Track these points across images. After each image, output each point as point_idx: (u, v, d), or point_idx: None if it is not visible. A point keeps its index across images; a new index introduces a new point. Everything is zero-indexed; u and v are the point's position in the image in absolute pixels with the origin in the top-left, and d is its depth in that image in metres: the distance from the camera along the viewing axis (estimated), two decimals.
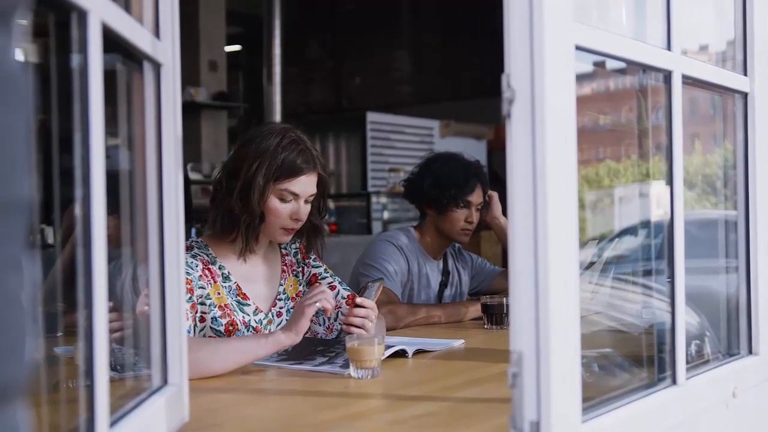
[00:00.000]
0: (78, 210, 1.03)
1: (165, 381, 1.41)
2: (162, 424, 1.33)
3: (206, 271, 2.22)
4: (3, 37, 0.59)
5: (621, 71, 1.76)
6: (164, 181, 1.40)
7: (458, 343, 2.40)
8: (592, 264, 2.27)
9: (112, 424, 1.11)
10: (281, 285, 2.40)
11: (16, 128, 0.59)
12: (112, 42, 1.14)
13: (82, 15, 1.02)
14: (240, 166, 2.23)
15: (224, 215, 2.25)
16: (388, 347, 2.08)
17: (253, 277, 2.34)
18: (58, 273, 2.09)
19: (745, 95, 1.85)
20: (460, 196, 3.05)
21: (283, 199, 2.24)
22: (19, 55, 0.61)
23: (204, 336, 2.20)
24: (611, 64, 1.57)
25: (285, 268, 2.43)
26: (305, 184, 2.26)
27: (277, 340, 2.00)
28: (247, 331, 2.26)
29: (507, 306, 2.71)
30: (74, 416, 1.11)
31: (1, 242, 0.59)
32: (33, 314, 0.62)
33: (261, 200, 2.21)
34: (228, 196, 2.23)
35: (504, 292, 3.01)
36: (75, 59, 1.04)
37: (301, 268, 2.47)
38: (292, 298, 2.41)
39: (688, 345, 1.64)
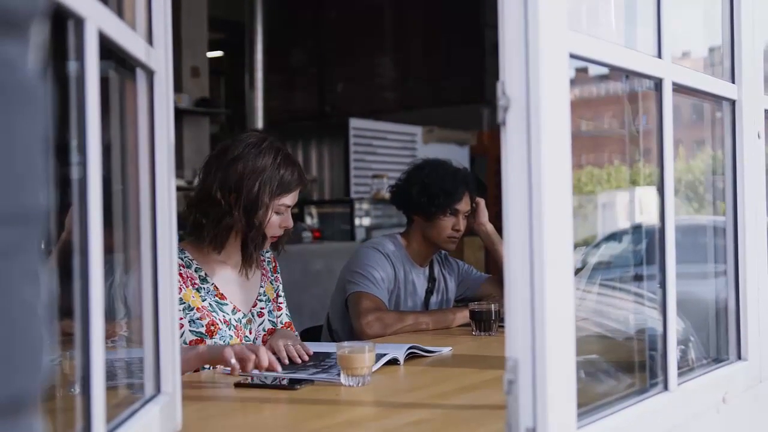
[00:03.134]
0: (75, 217, 1.02)
1: (158, 390, 1.40)
2: None
3: (178, 276, 2.24)
4: (19, 47, 0.59)
5: (603, 77, 1.77)
6: (157, 189, 1.39)
7: (447, 350, 2.41)
8: (578, 270, 2.29)
9: None
10: (261, 287, 2.48)
11: (33, 138, 0.59)
12: (106, 49, 1.13)
13: (79, 22, 1.01)
14: (239, 185, 2.28)
15: (225, 231, 2.31)
16: (379, 356, 2.08)
17: (233, 279, 2.40)
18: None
19: (732, 102, 1.87)
20: (449, 204, 3.05)
21: (278, 213, 2.35)
22: (35, 65, 0.61)
23: (183, 342, 2.22)
24: (593, 69, 1.58)
25: (264, 271, 2.52)
26: (296, 196, 2.39)
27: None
28: (228, 329, 2.31)
29: (495, 312, 2.72)
30: (68, 425, 1.11)
31: (17, 252, 0.58)
32: (48, 325, 0.62)
33: (265, 218, 2.31)
34: (228, 214, 2.27)
35: (491, 298, 3.01)
36: (71, 66, 1.03)
37: (275, 277, 2.58)
38: (272, 300, 2.50)
39: None
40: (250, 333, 2.39)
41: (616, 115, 2.00)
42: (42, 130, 0.61)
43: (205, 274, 2.33)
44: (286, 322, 2.51)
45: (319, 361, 2.18)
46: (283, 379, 1.96)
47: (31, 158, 0.59)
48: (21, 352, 0.58)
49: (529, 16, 1.18)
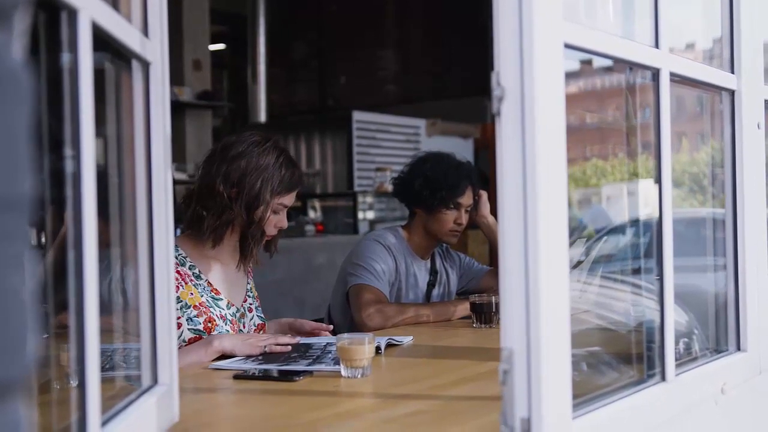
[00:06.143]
0: (69, 211, 1.02)
1: (155, 381, 1.40)
2: (152, 424, 1.33)
3: (175, 274, 2.26)
4: (3, 36, 0.59)
5: (608, 69, 1.76)
6: (153, 181, 1.39)
7: (408, 339, 2.44)
8: (579, 263, 2.28)
9: (104, 423, 1.11)
10: (248, 283, 2.53)
11: (17, 126, 0.59)
12: (101, 40, 1.13)
13: (72, 13, 1.01)
14: (241, 181, 2.31)
15: (225, 225, 2.34)
16: None
17: (223, 275, 2.43)
18: (45, 274, 2.10)
19: (732, 92, 1.86)
20: (451, 198, 3.05)
21: (275, 212, 2.38)
22: (19, 54, 0.61)
23: (183, 341, 2.23)
24: (598, 62, 1.57)
25: (250, 270, 2.55)
26: (294, 197, 2.43)
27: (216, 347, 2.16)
28: (225, 324, 2.34)
29: (496, 304, 2.72)
30: (64, 417, 1.11)
31: (3, 239, 0.59)
32: (34, 311, 0.62)
33: (265, 215, 2.34)
34: (228, 209, 2.30)
35: (492, 290, 3.01)
36: (64, 58, 1.03)
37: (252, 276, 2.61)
38: (256, 297, 2.55)
39: (676, 343, 1.65)
40: (243, 327, 2.42)
41: (621, 108, 2.00)
42: (27, 119, 0.61)
43: (199, 271, 2.37)
44: (258, 324, 2.52)
45: (304, 352, 2.18)
46: (281, 370, 1.96)
47: (15, 147, 0.59)
48: (5, 339, 0.58)
49: (523, 6, 1.18)
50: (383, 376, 1.97)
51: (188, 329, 2.27)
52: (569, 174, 1.29)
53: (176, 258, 2.32)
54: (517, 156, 1.19)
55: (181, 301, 2.27)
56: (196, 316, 2.28)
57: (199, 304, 2.30)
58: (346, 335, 2.00)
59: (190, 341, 2.25)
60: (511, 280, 1.20)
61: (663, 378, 1.55)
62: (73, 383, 1.08)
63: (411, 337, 2.47)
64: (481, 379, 1.91)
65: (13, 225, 0.59)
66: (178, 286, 2.26)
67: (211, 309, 2.32)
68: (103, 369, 1.14)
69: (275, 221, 2.39)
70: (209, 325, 2.29)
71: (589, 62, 1.54)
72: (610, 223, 2.24)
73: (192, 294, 2.31)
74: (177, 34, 7.17)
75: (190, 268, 2.35)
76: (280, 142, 2.44)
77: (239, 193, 2.31)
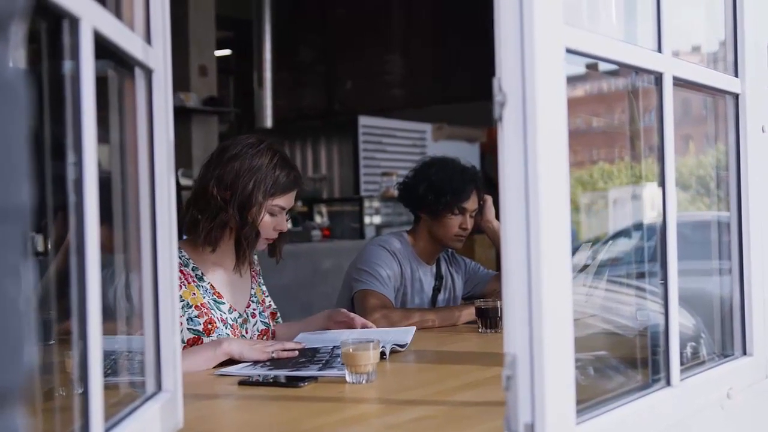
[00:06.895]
0: (71, 217, 1.03)
1: (159, 387, 1.40)
2: (156, 431, 1.33)
3: (178, 274, 2.27)
4: (1, 45, 0.59)
5: (613, 73, 1.76)
6: (156, 188, 1.40)
7: (411, 331, 2.47)
8: (586, 266, 2.28)
9: (107, 430, 1.11)
10: (252, 288, 2.52)
11: (15, 135, 0.59)
12: (103, 48, 1.13)
13: (74, 22, 1.02)
14: (234, 182, 2.31)
15: (219, 228, 2.33)
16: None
17: (227, 280, 2.43)
18: (51, 281, 2.10)
19: (736, 96, 1.86)
20: (456, 203, 3.05)
21: (272, 214, 2.37)
22: (16, 63, 0.62)
23: (182, 341, 2.23)
24: (603, 65, 1.57)
25: (254, 274, 2.56)
26: (292, 199, 2.41)
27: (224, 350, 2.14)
28: (225, 328, 2.34)
29: (501, 309, 2.71)
30: (68, 423, 1.11)
31: (0, 249, 0.59)
32: (31, 320, 0.63)
33: (258, 216, 2.33)
34: (223, 210, 2.30)
35: (497, 295, 3.01)
36: (66, 65, 1.04)
37: (261, 279, 2.61)
38: (261, 302, 2.54)
39: (683, 347, 1.64)
40: (246, 332, 2.42)
41: (627, 111, 2.00)
42: (24, 128, 0.61)
43: (202, 274, 2.37)
44: (262, 330, 2.52)
45: (311, 357, 2.18)
46: (287, 376, 1.96)
47: (12, 156, 0.59)
48: (2, 347, 0.58)
49: (524, 10, 1.18)
50: (388, 382, 1.97)
51: (188, 329, 2.27)
52: (576, 177, 1.29)
53: (180, 259, 2.32)
54: (519, 161, 1.19)
55: (183, 300, 2.27)
56: (197, 316, 2.28)
57: (201, 304, 2.31)
58: (350, 340, 2.00)
59: (189, 342, 2.26)
60: (514, 284, 1.19)
61: (668, 383, 1.55)
62: (79, 390, 1.08)
63: (413, 328, 2.49)
64: (487, 384, 1.90)
65: (9, 234, 0.59)
66: (180, 285, 2.26)
67: (212, 311, 2.32)
68: (106, 374, 1.15)
69: (274, 224, 2.38)
70: (209, 326, 2.29)
71: (594, 66, 1.53)
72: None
73: (194, 294, 2.31)
74: (183, 40, 7.16)
75: (193, 270, 2.35)
76: (276, 145, 2.43)
77: (233, 194, 2.31)
